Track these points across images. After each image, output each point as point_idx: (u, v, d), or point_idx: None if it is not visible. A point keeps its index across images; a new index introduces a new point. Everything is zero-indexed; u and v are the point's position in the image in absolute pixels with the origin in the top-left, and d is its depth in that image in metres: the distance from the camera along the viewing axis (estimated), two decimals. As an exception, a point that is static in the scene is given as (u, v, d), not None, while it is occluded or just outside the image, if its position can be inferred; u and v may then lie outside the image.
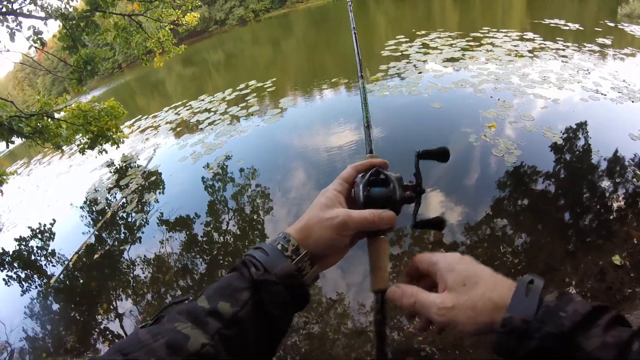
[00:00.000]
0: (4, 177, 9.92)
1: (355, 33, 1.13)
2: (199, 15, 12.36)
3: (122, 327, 4.80)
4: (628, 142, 4.97)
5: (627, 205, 4.08)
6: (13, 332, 5.60)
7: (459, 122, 6.40)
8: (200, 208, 6.54)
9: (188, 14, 11.45)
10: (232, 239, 5.62)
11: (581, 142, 5.25)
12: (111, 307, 5.27)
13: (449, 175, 5.22)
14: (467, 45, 10.11)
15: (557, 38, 9.36)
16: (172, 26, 11.36)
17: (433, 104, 7.09)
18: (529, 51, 8.77)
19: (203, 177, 7.44)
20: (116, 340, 4.54)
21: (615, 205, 4.15)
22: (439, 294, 0.61)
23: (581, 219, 4.06)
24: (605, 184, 4.45)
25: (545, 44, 9.10)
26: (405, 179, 0.75)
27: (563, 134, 5.42)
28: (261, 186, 6.54)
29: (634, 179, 4.39)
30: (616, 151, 4.82)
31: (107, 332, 4.82)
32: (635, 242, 3.55)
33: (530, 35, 10.02)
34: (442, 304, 0.58)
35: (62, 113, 9.09)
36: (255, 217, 5.86)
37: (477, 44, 10.01)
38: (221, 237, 5.73)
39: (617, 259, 3.34)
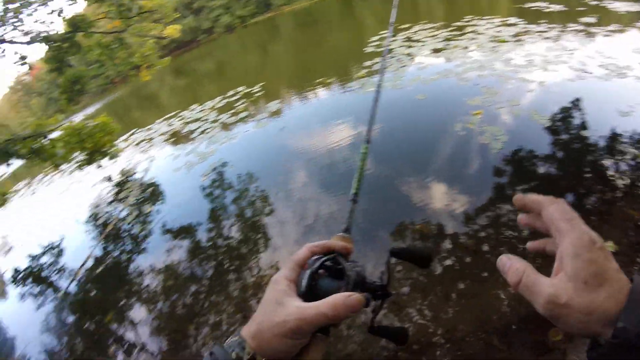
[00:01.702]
0: (7, 197, 10.09)
1: (378, 89, 1.04)
2: (179, 27, 12.47)
3: (134, 332, 4.91)
4: (618, 119, 4.89)
5: (620, 186, 3.97)
6: (28, 346, 5.77)
7: (444, 112, 6.42)
8: (200, 216, 6.59)
9: (169, 27, 11.55)
10: (235, 242, 5.62)
11: (570, 123, 5.17)
12: (120, 315, 5.36)
13: (434, 163, 5.26)
14: (449, 35, 10.10)
15: (540, 21, 9.31)
16: (155, 40, 11.44)
17: (417, 96, 7.10)
18: (513, 36, 8.74)
19: (200, 186, 7.53)
20: (125, 347, 4.73)
21: (607, 186, 4.03)
22: (552, 281, 0.51)
23: (572, 201, 3.99)
24: (597, 163, 4.35)
25: (528, 28, 9.06)
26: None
27: (551, 116, 5.34)
28: (258, 190, 6.59)
29: (627, 157, 4.28)
30: (607, 129, 4.74)
31: (116, 340, 4.95)
32: (630, 224, 3.50)
33: (513, 20, 9.99)
34: (554, 297, 0.49)
35: (58, 132, 9.22)
36: (256, 220, 5.88)
37: (460, 33, 10.00)
38: (225, 242, 5.75)
39: (611, 246, 3.17)
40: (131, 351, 4.58)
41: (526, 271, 0.53)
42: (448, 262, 3.67)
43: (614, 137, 4.58)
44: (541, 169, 4.48)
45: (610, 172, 4.13)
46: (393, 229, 4.39)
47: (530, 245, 0.67)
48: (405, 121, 6.64)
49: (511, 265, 0.55)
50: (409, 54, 9.54)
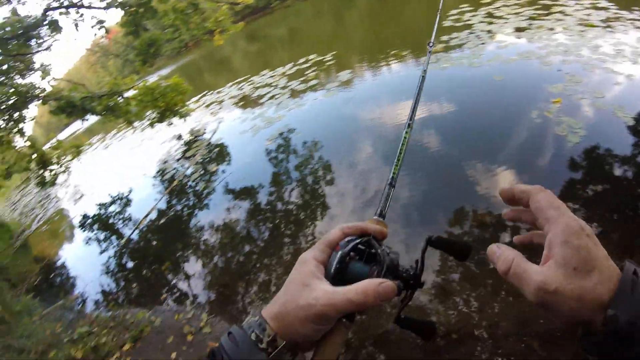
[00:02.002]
0: (82, 148, 10.95)
1: (423, 76, 0.99)
2: (254, -8, 12.56)
3: (184, 282, 5.36)
4: None
5: None
6: (88, 285, 6.48)
7: (521, 96, 6.13)
8: (262, 179, 6.89)
9: (243, -8, 11.71)
10: (294, 207, 5.85)
11: None
12: (174, 265, 5.86)
13: (504, 150, 5.11)
14: (534, 13, 9.52)
15: (633, 8, 8.56)
16: (228, 5, 11.68)
17: (495, 76, 6.85)
18: (602, 21, 8.08)
19: (264, 149, 7.82)
20: (175, 294, 5.16)
21: None
22: (541, 269, 0.50)
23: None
24: None
25: (620, 14, 8.34)
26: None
27: (637, 114, 4.86)
28: (322, 159, 6.76)
29: None
30: None
31: (169, 287, 5.43)
32: None
33: (603, 3, 9.24)
34: (544, 285, 0.48)
35: (132, 91, 9.79)
36: (316, 187, 6.08)
37: (545, 12, 9.39)
38: (283, 206, 6.00)
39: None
40: (181, 299, 5.02)
41: (515, 259, 0.53)
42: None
43: None
44: (617, 171, 4.18)
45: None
46: (450, 214, 4.34)
47: (517, 239, 0.67)
48: (479, 101, 6.43)
49: (501, 253, 0.55)
50: (489, 31, 9.12)
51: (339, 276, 0.58)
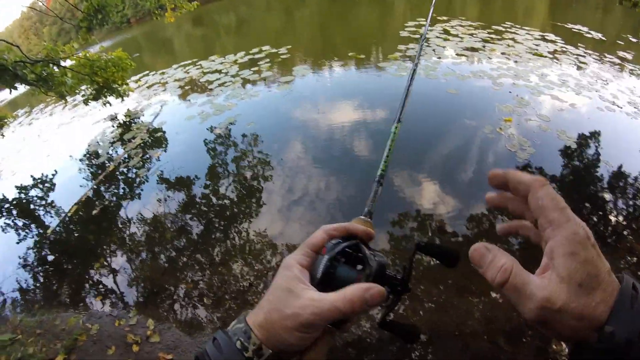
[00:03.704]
0: (5, 120, 9.81)
1: (414, 69, 0.92)
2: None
3: (115, 282, 4.78)
4: (638, 157, 5.05)
5: (629, 220, 4.12)
6: (5, 282, 5.53)
7: (474, 110, 6.41)
8: (201, 170, 6.53)
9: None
10: (229, 203, 5.61)
11: (592, 150, 5.28)
12: (105, 262, 5.24)
13: (459, 161, 5.26)
14: (488, 36, 10.00)
15: (579, 44, 9.27)
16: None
17: (449, 90, 7.06)
18: (550, 52, 8.70)
19: (208, 139, 7.40)
20: (112, 297, 4.59)
21: (618, 219, 4.18)
22: (543, 282, 0.45)
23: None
24: (609, 196, 4.49)
25: (566, 48, 9.02)
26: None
27: (577, 139, 5.43)
28: (263, 153, 6.52)
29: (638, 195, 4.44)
30: (623, 165, 4.86)
31: (100, 287, 4.79)
32: (637, 258, 3.57)
33: (552, 37, 9.91)
34: (548, 302, 0.43)
35: (68, 62, 8.94)
36: (254, 184, 5.86)
37: (498, 37, 9.92)
38: (219, 201, 5.72)
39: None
40: (121, 303, 4.49)
41: (514, 270, 0.46)
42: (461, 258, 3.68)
43: (628, 175, 4.76)
44: (559, 188, 4.58)
45: (621, 207, 4.35)
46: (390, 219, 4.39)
47: (501, 229, 0.61)
48: (434, 112, 6.61)
49: (494, 260, 0.48)
50: (445, 47, 9.44)
51: (326, 282, 0.56)
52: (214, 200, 5.79)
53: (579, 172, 4.95)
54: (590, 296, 0.43)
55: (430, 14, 1.42)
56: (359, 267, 0.57)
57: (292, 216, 5.01)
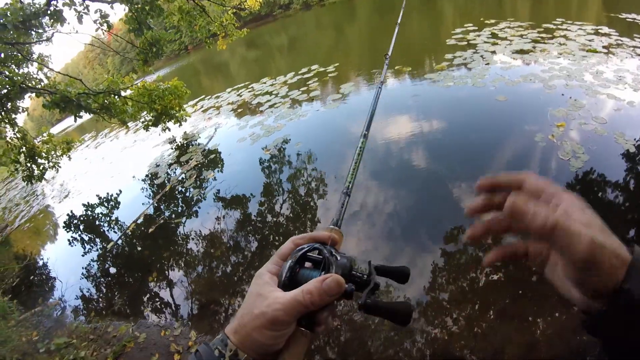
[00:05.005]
0: (73, 144, 10.70)
1: (386, 59, 1.00)
2: (261, 0, 12.57)
3: (171, 295, 5.07)
4: None
5: None
6: (68, 290, 6.15)
7: (524, 118, 6.11)
8: (255, 188, 6.75)
9: (250, -1, 11.71)
10: (284, 220, 5.72)
11: None
12: (161, 276, 5.61)
13: (508, 171, 5.04)
14: (538, 36, 9.59)
15: (635, 35, 8.66)
16: (235, 10, 11.65)
17: (498, 97, 6.84)
18: (604, 47, 8.16)
19: (260, 159, 7.67)
20: (161, 308, 4.89)
21: None
22: (581, 226, 0.50)
23: (632, 237, 3.71)
24: None
25: (621, 40, 8.41)
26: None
27: (637, 141, 4.96)
28: (317, 170, 6.67)
29: None
30: None
31: (152, 299, 5.17)
32: None
33: (605, 29, 9.31)
34: (595, 238, 0.48)
35: (128, 91, 9.62)
36: (309, 201, 5.96)
37: (549, 36, 9.46)
38: (274, 218, 5.86)
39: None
40: (168, 314, 4.77)
41: (559, 217, 0.50)
42: (504, 278, 3.56)
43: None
44: (615, 197, 4.24)
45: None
46: (440, 233, 4.30)
47: (489, 259, 0.63)
48: (481, 122, 6.44)
49: (536, 209, 0.52)
50: (493, 52, 9.17)
51: (291, 284, 0.60)
52: (265, 217, 5.97)
53: (636, 178, 4.46)
54: (613, 238, 0.49)
55: (393, 38, 1.47)
56: (324, 269, 0.62)
57: (348, 231, 5.02)
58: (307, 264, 0.65)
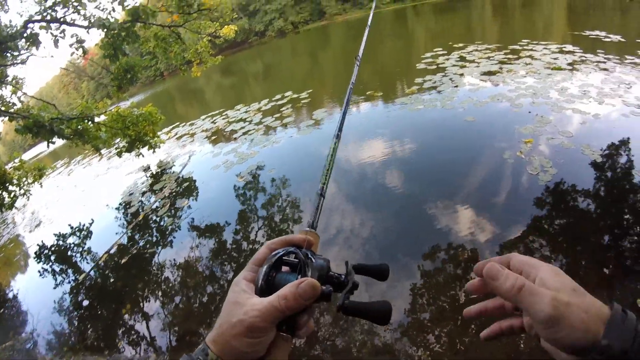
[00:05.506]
0: (45, 171, 10.46)
1: (357, 60, 1.02)
2: (236, 28, 12.69)
3: (147, 327, 4.89)
4: None
5: None
6: (39, 324, 5.92)
7: (493, 136, 6.26)
8: (230, 215, 6.66)
9: (226, 27, 11.80)
10: (259, 246, 5.58)
11: (622, 161, 4.96)
12: (135, 308, 5.41)
13: (479, 192, 5.10)
14: (505, 58, 9.93)
15: (598, 50, 9.01)
16: (210, 38, 11.72)
17: (467, 118, 6.99)
18: (569, 64, 8.50)
19: (235, 186, 7.60)
20: (137, 340, 4.71)
21: None
22: (548, 290, 0.54)
23: (620, 242, 3.81)
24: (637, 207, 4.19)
25: (585, 57, 8.79)
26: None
27: (603, 151, 5.14)
28: (291, 196, 6.62)
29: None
30: None
31: (130, 332, 4.95)
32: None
33: (569, 47, 9.70)
34: (558, 297, 0.52)
35: (102, 117, 9.50)
36: (284, 227, 5.89)
37: (515, 56, 9.81)
38: (249, 245, 5.78)
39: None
40: (144, 347, 4.59)
41: (524, 279, 0.57)
42: (484, 297, 3.54)
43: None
44: (583, 205, 4.36)
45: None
46: (423, 251, 4.30)
47: (486, 334, 0.70)
48: (451, 143, 6.53)
49: (508, 274, 0.58)
50: (462, 74, 9.42)
51: (268, 289, 0.59)
52: (240, 244, 5.89)
53: (609, 186, 4.61)
54: (586, 297, 0.53)
55: (364, 40, 1.48)
56: (300, 273, 0.61)
57: (326, 254, 4.95)
58: (285, 268, 0.64)
